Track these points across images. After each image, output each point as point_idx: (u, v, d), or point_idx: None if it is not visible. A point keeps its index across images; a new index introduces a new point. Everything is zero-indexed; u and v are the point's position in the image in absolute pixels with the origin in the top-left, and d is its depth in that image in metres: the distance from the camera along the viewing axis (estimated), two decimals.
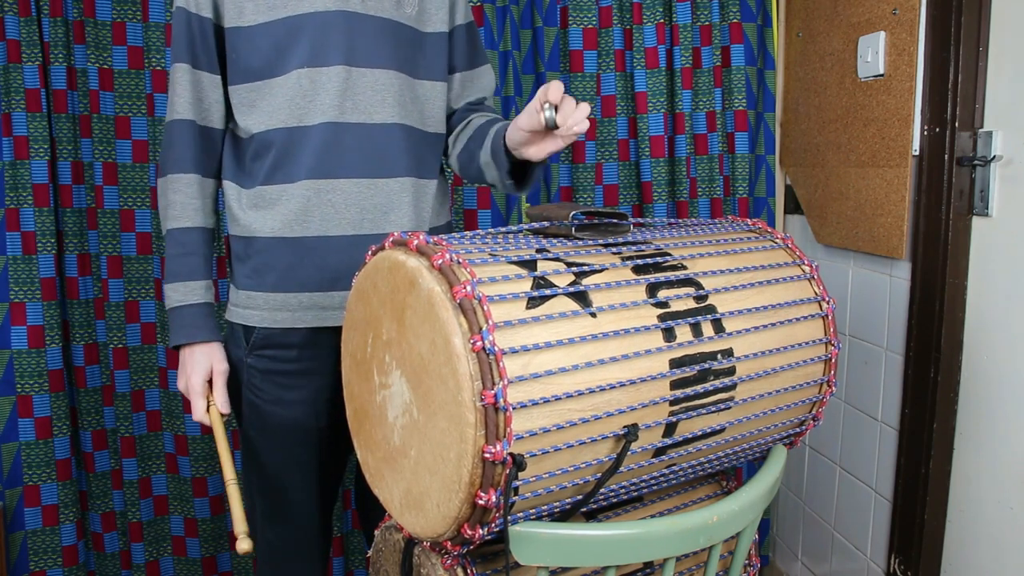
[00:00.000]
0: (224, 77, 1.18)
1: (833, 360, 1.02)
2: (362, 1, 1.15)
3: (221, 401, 1.17)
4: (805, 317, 0.99)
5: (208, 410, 1.16)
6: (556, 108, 0.99)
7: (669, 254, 0.95)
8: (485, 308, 0.76)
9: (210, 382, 1.18)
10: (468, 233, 0.96)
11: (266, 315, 1.18)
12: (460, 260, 0.80)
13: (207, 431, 1.86)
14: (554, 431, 0.79)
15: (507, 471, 0.76)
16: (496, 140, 1.17)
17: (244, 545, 0.99)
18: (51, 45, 1.68)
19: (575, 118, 0.98)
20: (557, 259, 0.87)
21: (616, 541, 0.85)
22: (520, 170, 1.18)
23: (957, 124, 1.34)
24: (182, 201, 1.17)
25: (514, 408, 0.75)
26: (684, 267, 0.94)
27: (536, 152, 1.08)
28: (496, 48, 1.85)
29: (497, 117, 1.29)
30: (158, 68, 1.74)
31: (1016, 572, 1.29)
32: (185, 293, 1.17)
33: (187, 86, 1.16)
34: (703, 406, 0.90)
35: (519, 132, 1.07)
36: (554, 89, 0.99)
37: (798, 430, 1.06)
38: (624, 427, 0.84)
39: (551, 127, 1.00)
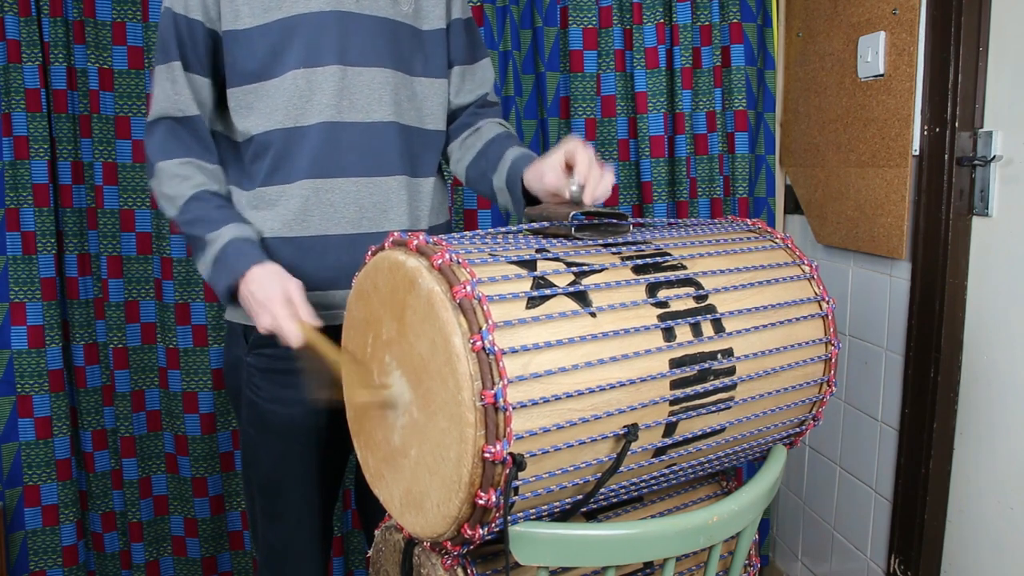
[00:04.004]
0: (214, 80, 1.18)
1: (833, 360, 1.02)
2: (356, 0, 1.15)
3: (310, 314, 1.04)
4: (805, 317, 0.99)
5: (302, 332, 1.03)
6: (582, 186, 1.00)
7: (669, 254, 0.95)
8: (485, 308, 0.76)
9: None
10: (468, 233, 0.96)
11: None
12: (460, 260, 0.80)
13: (208, 430, 1.86)
14: (554, 431, 0.79)
15: (507, 471, 0.76)
16: (513, 173, 1.16)
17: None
18: (51, 45, 1.68)
19: (600, 191, 0.99)
20: (557, 259, 0.87)
21: (616, 541, 0.85)
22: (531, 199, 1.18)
23: (957, 124, 1.34)
24: (202, 175, 1.16)
25: (514, 408, 0.75)
26: (684, 267, 0.94)
27: (554, 200, 1.09)
28: (496, 48, 1.85)
29: (509, 132, 1.29)
30: None
31: (1016, 572, 1.29)
32: (237, 230, 1.11)
33: (183, 84, 1.15)
34: (703, 406, 0.90)
35: (541, 186, 1.07)
36: (582, 157, 0.99)
37: (798, 430, 1.06)
38: (624, 427, 0.84)
39: (576, 201, 1.00)
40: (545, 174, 1.05)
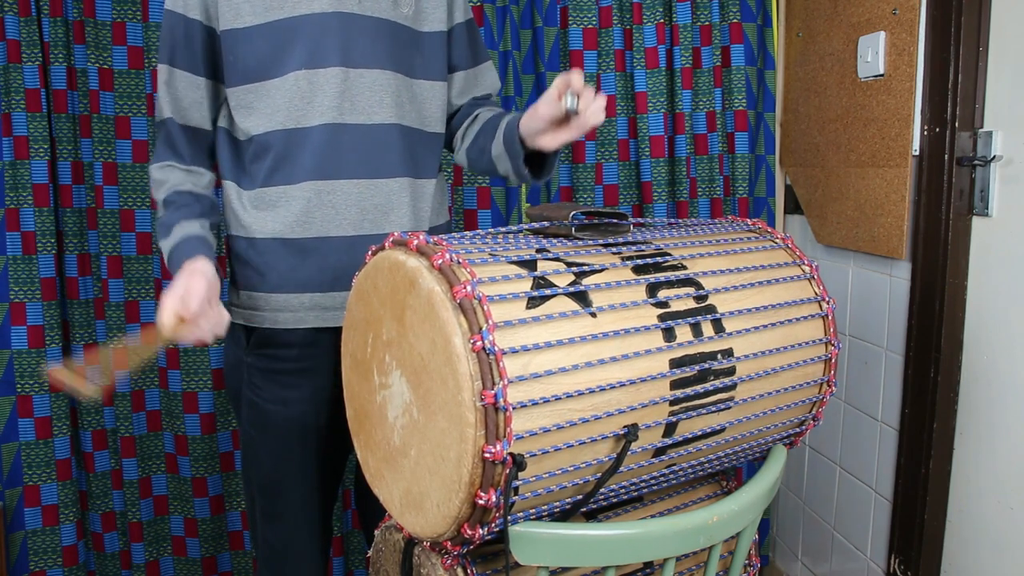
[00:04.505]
0: (212, 80, 1.18)
1: (833, 360, 1.02)
2: (358, 2, 1.15)
3: (193, 313, 1.00)
4: (805, 317, 0.99)
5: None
6: (578, 97, 1.01)
7: (669, 254, 0.95)
8: (485, 308, 0.76)
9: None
10: (468, 233, 0.96)
11: (267, 315, 1.18)
12: (460, 260, 0.80)
13: (208, 430, 1.86)
14: (554, 431, 0.79)
15: (507, 471, 0.76)
16: (509, 130, 1.17)
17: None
18: (51, 45, 1.68)
19: (594, 108, 1.01)
20: (557, 259, 0.88)
21: (616, 541, 0.85)
22: (533, 160, 1.18)
23: (957, 124, 1.34)
24: (178, 176, 1.18)
25: (514, 408, 0.75)
26: (684, 267, 0.94)
27: (550, 141, 1.09)
28: (496, 48, 1.85)
29: (504, 112, 1.29)
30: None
31: (1016, 572, 1.29)
32: (182, 230, 1.12)
33: (176, 86, 1.16)
34: (703, 406, 0.90)
35: (536, 120, 1.08)
36: (576, 77, 1.01)
37: (798, 430, 1.06)
38: (624, 427, 0.84)
39: (572, 113, 1.02)
40: (539, 107, 1.07)
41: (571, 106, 1.00)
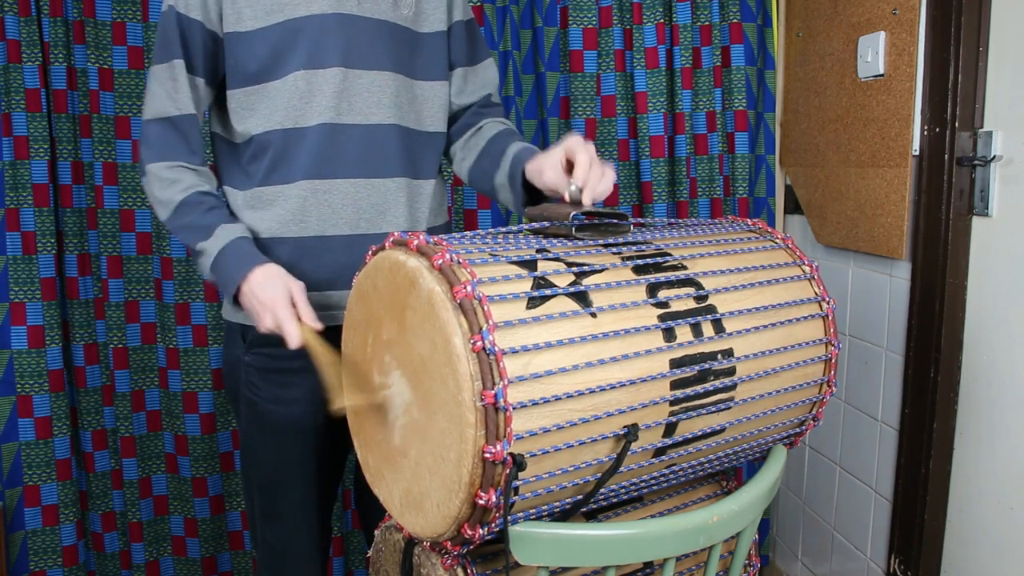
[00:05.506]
0: (210, 83, 1.17)
1: (833, 360, 1.02)
2: (358, 3, 1.15)
3: (311, 316, 1.05)
4: (805, 317, 0.99)
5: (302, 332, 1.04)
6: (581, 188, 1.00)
7: (669, 254, 0.95)
8: (485, 308, 0.76)
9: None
10: (468, 233, 0.96)
11: None
12: (460, 260, 0.80)
13: (208, 430, 1.86)
14: (554, 431, 0.79)
15: (507, 471, 0.76)
16: (514, 168, 1.17)
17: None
18: (51, 45, 1.68)
19: (599, 191, 0.99)
20: (557, 259, 0.87)
21: (616, 541, 0.85)
22: (534, 193, 1.18)
23: (957, 124, 1.34)
24: (192, 177, 1.16)
25: (514, 408, 0.75)
26: (684, 267, 0.94)
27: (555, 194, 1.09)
28: (496, 48, 1.85)
29: (511, 129, 1.29)
30: None
31: (1016, 572, 1.29)
32: (229, 232, 1.11)
33: (183, 83, 1.15)
34: (703, 406, 0.90)
35: (541, 181, 1.08)
36: (581, 163, 0.99)
37: (798, 430, 1.06)
38: (624, 427, 0.84)
39: (575, 201, 1.00)
40: (544, 171, 1.06)
41: (575, 196, 0.99)
